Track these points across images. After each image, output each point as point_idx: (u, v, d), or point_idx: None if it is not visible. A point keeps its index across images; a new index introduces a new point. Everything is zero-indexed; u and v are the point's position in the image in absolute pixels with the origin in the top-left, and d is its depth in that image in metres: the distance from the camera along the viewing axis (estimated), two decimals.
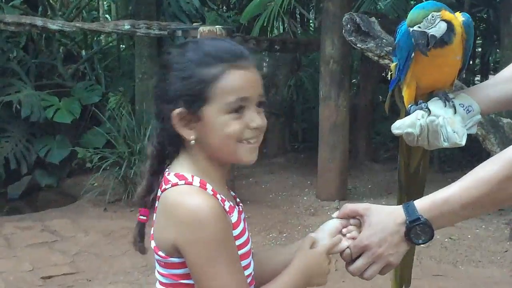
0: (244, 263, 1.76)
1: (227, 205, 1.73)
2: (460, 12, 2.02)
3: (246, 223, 1.84)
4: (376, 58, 6.72)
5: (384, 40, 6.69)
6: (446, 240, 6.57)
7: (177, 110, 1.72)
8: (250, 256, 1.82)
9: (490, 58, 13.42)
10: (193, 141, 1.74)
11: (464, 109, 2.00)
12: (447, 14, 1.94)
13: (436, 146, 1.99)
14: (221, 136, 1.73)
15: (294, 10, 11.76)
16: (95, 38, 11.37)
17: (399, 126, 2.03)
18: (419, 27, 1.91)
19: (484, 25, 12.82)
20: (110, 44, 11.52)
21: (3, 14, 8.23)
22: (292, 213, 7.59)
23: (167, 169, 1.80)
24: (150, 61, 8.95)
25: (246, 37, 8.51)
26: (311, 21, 13.43)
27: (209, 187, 1.71)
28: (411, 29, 1.92)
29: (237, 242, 1.74)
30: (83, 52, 10.43)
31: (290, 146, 10.64)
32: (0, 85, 9.16)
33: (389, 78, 2.22)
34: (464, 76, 11.10)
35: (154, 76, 1.86)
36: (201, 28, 7.21)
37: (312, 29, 13.43)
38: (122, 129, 8.24)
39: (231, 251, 1.69)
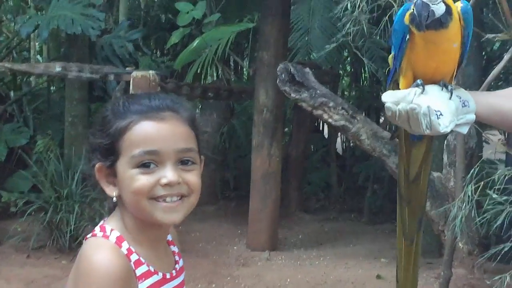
0: None
1: (142, 269, 1.62)
2: (460, 1, 1.98)
3: None
4: (310, 108, 6.74)
5: (318, 91, 6.72)
6: None
7: (98, 165, 1.64)
8: None
9: None
10: (115, 198, 1.65)
11: (460, 101, 1.92)
12: None
13: (419, 132, 1.91)
14: (129, 192, 1.62)
15: (228, 58, 11.79)
16: (25, 79, 11.14)
17: (388, 95, 1.94)
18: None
19: None
20: (40, 85, 11.31)
21: None
22: (222, 263, 7.47)
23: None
24: (80, 105, 8.79)
25: (180, 83, 8.44)
26: (245, 69, 13.47)
27: (125, 245, 1.61)
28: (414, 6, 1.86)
29: None
30: (12, 93, 10.19)
31: (221, 194, 10.55)
32: None
33: (386, 73, 2.16)
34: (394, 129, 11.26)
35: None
36: (134, 73, 7.13)
37: (246, 77, 13.48)
38: (50, 173, 8.02)
39: None
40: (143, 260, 1.63)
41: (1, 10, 10.69)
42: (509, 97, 2.07)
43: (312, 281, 6.88)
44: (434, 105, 1.84)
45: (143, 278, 1.61)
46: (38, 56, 13.24)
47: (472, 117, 1.95)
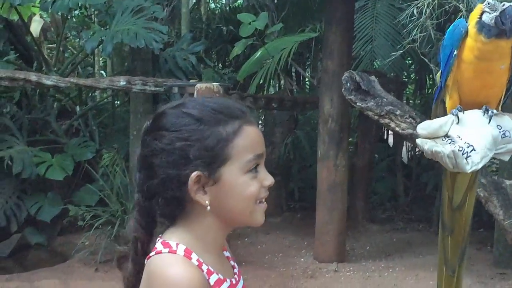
0: None
1: (213, 278, 1.60)
2: None
3: None
4: (376, 117, 6.60)
5: (384, 99, 6.59)
6: None
7: (195, 174, 1.58)
8: None
9: None
10: (208, 207, 1.61)
11: (500, 132, 1.83)
12: None
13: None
14: (241, 198, 1.62)
15: (290, 68, 11.73)
16: (90, 94, 11.27)
17: (423, 127, 1.85)
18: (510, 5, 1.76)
19: None
20: (105, 100, 11.43)
21: None
22: (289, 275, 7.38)
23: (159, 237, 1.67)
24: (145, 118, 8.79)
25: (243, 94, 8.41)
26: (307, 79, 13.39)
27: (194, 256, 1.58)
28: (500, 7, 1.76)
29: None
30: (77, 108, 10.30)
31: (286, 205, 10.46)
32: None
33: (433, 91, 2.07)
34: None
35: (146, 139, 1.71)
36: (198, 85, 7.10)
37: (308, 87, 13.40)
38: (115, 186, 8.08)
39: None
40: (212, 269, 1.60)
41: (66, 26, 10.83)
42: None
43: None
44: (468, 138, 1.76)
45: (217, 287, 1.60)
46: (102, 71, 13.42)
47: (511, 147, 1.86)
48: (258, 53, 9.86)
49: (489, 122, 1.83)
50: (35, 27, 11.88)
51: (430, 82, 13.13)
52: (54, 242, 8.85)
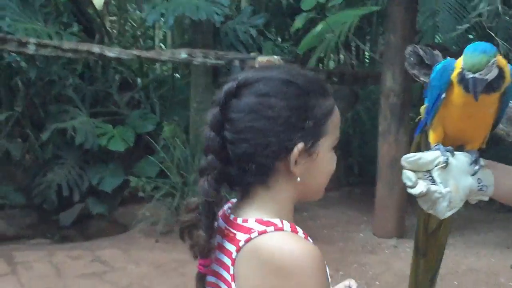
0: None
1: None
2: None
3: None
4: None
5: None
6: None
7: (301, 145, 1.57)
8: None
9: None
10: (299, 178, 1.60)
11: (478, 185, 1.82)
12: (500, 59, 1.76)
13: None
14: (325, 173, 1.66)
15: (351, 43, 11.61)
16: (151, 67, 11.35)
17: (408, 161, 1.83)
18: (481, 74, 1.72)
19: None
20: (166, 73, 11.48)
21: (61, 41, 8.21)
22: (348, 250, 7.35)
23: (229, 214, 1.64)
24: (205, 91, 8.84)
25: (304, 67, 8.36)
26: (367, 54, 13.25)
27: (299, 230, 1.57)
28: (470, 74, 1.72)
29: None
30: (139, 80, 10.38)
31: (345, 180, 10.40)
32: (56, 111, 9.16)
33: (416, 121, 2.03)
34: None
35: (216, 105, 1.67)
36: (259, 58, 7.09)
37: (368, 62, 13.26)
38: (176, 159, 8.13)
39: None
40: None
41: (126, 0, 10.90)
42: None
43: (442, 270, 6.63)
44: (448, 184, 1.73)
45: None
46: (161, 44, 13.48)
47: (484, 198, 1.87)
48: (319, 27, 9.77)
49: (473, 174, 1.80)
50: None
51: None
52: (115, 213, 8.98)
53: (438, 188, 1.78)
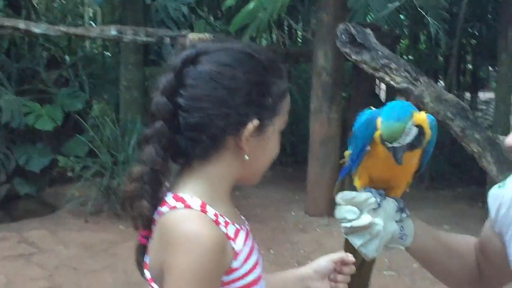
0: None
1: (232, 229, 1.53)
2: (425, 112, 1.82)
3: (255, 243, 1.66)
4: (371, 70, 6.55)
5: (380, 53, 6.52)
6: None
7: (257, 121, 1.53)
8: (262, 279, 1.62)
9: (481, 73, 13.31)
10: (247, 156, 1.55)
11: (400, 233, 1.84)
12: (418, 116, 1.76)
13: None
14: (269, 155, 1.63)
15: (283, 22, 11.59)
16: (80, 44, 11.12)
17: (344, 198, 1.83)
18: (399, 142, 1.72)
19: (475, 41, 12.72)
20: (95, 50, 11.28)
21: None
22: (280, 229, 7.36)
23: (166, 189, 1.57)
24: (135, 69, 8.71)
25: None
26: (299, 33, 13.28)
27: (210, 210, 1.49)
28: (389, 144, 1.73)
29: (242, 270, 1.53)
30: (67, 58, 10.16)
31: (277, 159, 10.39)
32: None
33: (341, 164, 2.03)
34: (455, 92, 11.01)
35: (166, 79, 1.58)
36: (191, 35, 7.00)
37: (300, 41, 13.29)
38: (105, 138, 7.99)
39: None
40: (229, 220, 1.53)
41: None
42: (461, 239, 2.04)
43: None
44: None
45: (236, 238, 1.54)
46: (91, 22, 13.24)
47: (400, 248, 1.87)
48: (251, 5, 9.70)
49: (398, 221, 1.82)
50: None
51: (424, 38, 13.05)
52: (44, 193, 8.79)
53: (381, 221, 1.78)
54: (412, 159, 1.83)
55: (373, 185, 1.86)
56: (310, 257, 6.52)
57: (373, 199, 1.79)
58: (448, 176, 9.84)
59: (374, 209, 1.79)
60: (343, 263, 1.85)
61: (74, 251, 6.53)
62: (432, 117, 1.82)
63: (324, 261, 1.89)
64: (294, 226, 7.50)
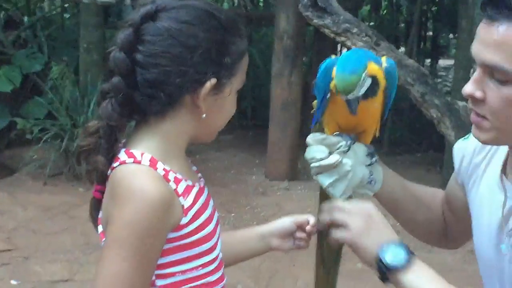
0: (207, 246, 1.58)
1: (182, 185, 1.53)
2: (385, 57, 1.83)
3: (211, 200, 1.67)
4: (332, 35, 6.53)
5: (341, 17, 6.51)
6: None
7: (213, 80, 1.52)
8: (216, 237, 1.64)
9: (441, 41, 13.39)
10: (204, 114, 1.55)
11: (369, 178, 1.86)
12: (372, 67, 1.76)
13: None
14: (225, 115, 1.63)
15: None
16: (38, 5, 10.93)
17: (315, 139, 1.84)
18: (353, 94, 1.73)
19: (436, 7, 12.78)
20: (54, 11, 11.10)
21: None
22: (241, 192, 7.39)
23: (121, 145, 1.57)
24: (96, 31, 8.59)
25: None
26: None
27: (160, 165, 1.49)
28: (344, 96, 1.74)
29: (192, 226, 1.53)
30: (25, 19, 9.98)
31: (238, 123, 10.41)
32: None
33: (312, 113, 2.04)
34: (416, 59, 11.07)
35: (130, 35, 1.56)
36: None
37: (262, 4, 13.23)
38: (65, 100, 7.90)
39: (149, 249, 1.46)
40: (180, 177, 1.53)
41: None
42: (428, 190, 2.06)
43: None
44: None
45: (186, 194, 1.53)
46: None
47: (368, 192, 1.89)
48: None
49: (368, 165, 1.84)
50: None
51: (386, 3, 13.07)
52: (1, 155, 8.68)
53: (349, 161, 1.79)
54: (372, 105, 1.84)
55: (341, 131, 1.88)
56: (270, 220, 6.49)
57: (343, 142, 1.81)
58: (407, 141, 9.94)
59: (344, 152, 1.81)
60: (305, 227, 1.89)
61: (33, 213, 6.49)
62: (391, 60, 1.83)
63: (288, 221, 1.93)
64: (254, 189, 7.53)
